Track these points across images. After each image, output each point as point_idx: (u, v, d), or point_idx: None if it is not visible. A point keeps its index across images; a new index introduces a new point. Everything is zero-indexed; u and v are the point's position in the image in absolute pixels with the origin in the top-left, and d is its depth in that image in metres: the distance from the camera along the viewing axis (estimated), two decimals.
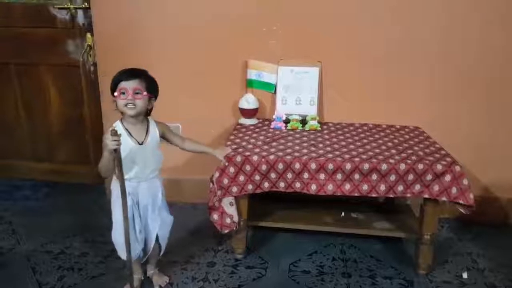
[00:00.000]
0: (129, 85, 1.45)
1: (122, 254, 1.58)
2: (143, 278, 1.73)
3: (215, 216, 1.81)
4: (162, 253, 1.72)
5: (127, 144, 1.48)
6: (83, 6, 2.30)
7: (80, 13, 2.33)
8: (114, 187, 1.52)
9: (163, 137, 1.61)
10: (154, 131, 1.56)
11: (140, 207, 1.58)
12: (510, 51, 2.08)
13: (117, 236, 1.57)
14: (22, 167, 2.67)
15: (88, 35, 2.32)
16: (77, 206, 2.39)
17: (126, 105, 1.45)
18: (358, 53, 2.15)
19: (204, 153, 1.72)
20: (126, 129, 1.51)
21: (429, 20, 2.08)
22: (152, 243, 1.65)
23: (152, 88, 1.52)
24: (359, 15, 2.10)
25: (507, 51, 2.08)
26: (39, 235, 2.07)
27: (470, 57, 2.10)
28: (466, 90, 2.15)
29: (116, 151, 1.39)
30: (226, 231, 1.82)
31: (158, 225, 1.62)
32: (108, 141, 1.35)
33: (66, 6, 2.31)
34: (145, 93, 1.48)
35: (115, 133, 1.35)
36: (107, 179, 2.46)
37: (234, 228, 1.83)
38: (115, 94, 1.46)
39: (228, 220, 1.81)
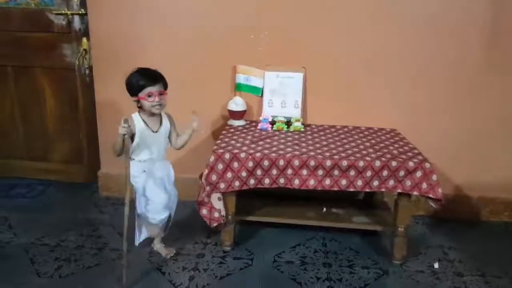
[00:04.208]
0: (154, 89, 1.71)
1: (157, 215, 1.85)
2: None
3: (204, 211, 1.93)
4: (169, 225, 1.96)
5: (144, 132, 1.75)
6: (80, 12, 2.40)
7: (76, 18, 2.43)
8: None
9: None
10: (166, 121, 1.83)
11: (158, 183, 1.83)
12: (484, 58, 2.22)
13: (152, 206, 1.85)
14: (18, 166, 2.75)
15: (84, 39, 2.43)
16: (71, 203, 2.48)
17: (153, 106, 1.72)
18: (340, 61, 2.29)
19: (190, 137, 1.88)
20: (144, 120, 1.76)
21: (407, 29, 2.22)
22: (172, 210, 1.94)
23: (167, 85, 1.79)
24: (340, 25, 2.24)
25: (481, 59, 2.22)
26: (35, 230, 2.15)
27: (445, 66, 2.25)
28: (439, 97, 2.29)
29: (125, 137, 1.64)
30: (215, 224, 1.94)
31: (171, 198, 1.89)
32: (119, 127, 1.62)
33: (63, 12, 2.41)
34: (166, 92, 1.76)
35: (125, 121, 1.63)
36: (101, 177, 2.59)
37: (222, 221, 1.95)
38: (141, 96, 1.70)
39: (216, 214, 1.93)
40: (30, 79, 2.58)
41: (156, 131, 1.79)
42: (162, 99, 1.73)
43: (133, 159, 1.78)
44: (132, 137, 1.72)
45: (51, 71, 2.55)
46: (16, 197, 2.54)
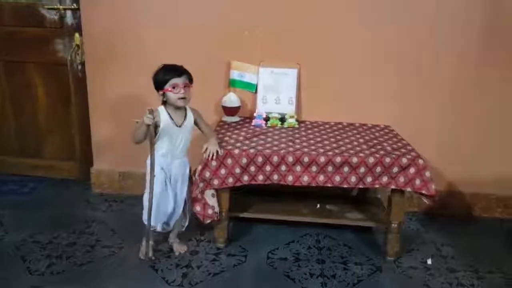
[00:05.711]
0: (180, 81, 1.73)
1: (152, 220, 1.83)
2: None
3: (198, 208, 1.92)
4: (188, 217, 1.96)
5: (168, 125, 1.76)
6: (72, 7, 2.38)
7: (69, 13, 2.40)
8: (148, 163, 1.78)
9: (195, 123, 1.86)
10: (190, 116, 1.84)
11: (171, 181, 1.83)
12: (480, 56, 2.23)
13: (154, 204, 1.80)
14: (9, 162, 2.72)
15: (77, 35, 2.41)
16: (64, 200, 2.46)
17: (178, 98, 1.73)
18: (334, 57, 2.29)
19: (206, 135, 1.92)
20: (169, 113, 1.77)
21: (403, 27, 2.22)
22: (177, 216, 1.88)
23: (192, 80, 1.80)
24: (335, 22, 2.24)
25: (477, 57, 2.23)
26: (27, 227, 2.13)
27: (439, 63, 2.25)
28: (433, 93, 2.30)
29: (150, 128, 1.68)
30: (208, 221, 1.93)
31: (186, 192, 1.88)
32: (144, 117, 1.67)
33: (55, 6, 2.38)
34: (191, 85, 1.78)
35: (151, 111, 1.68)
36: (93, 174, 2.57)
37: (216, 218, 1.94)
38: (167, 88, 1.72)
39: (210, 211, 1.92)
40: (22, 74, 2.55)
41: (180, 126, 1.79)
42: (187, 92, 1.74)
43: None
44: (155, 129, 1.74)
45: (43, 67, 2.53)
46: (7, 193, 2.52)
